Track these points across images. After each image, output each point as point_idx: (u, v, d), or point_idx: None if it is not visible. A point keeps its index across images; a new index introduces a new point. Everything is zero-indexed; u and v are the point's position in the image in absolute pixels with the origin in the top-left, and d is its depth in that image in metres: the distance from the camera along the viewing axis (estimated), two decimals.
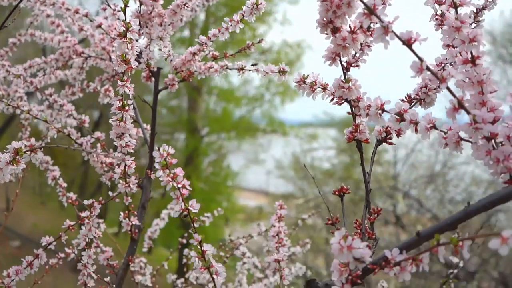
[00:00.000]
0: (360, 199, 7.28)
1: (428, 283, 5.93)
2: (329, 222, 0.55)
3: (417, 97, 0.72)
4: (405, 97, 0.73)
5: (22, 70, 1.20)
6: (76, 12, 1.12)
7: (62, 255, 1.11)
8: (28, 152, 0.68)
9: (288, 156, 10.03)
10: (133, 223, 1.00)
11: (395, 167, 6.72)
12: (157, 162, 0.63)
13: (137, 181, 0.94)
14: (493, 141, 0.55)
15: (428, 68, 0.52)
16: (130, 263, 1.02)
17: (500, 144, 0.54)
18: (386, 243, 6.54)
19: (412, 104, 0.72)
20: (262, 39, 1.04)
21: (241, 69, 0.97)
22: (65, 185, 1.14)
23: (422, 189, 6.56)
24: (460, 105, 0.53)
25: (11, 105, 1.03)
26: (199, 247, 0.67)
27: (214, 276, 0.67)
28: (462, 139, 0.57)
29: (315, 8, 0.63)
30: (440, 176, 6.74)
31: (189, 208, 0.65)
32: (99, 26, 1.01)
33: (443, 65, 0.73)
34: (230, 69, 0.99)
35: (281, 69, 0.87)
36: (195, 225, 0.67)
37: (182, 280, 1.42)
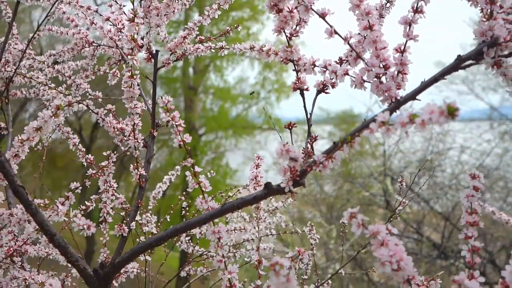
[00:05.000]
0: (357, 191, 7.62)
1: (418, 263, 6.22)
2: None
3: (346, 59, 0.99)
4: (338, 59, 1.00)
5: (45, 57, 1.47)
6: (88, 8, 1.39)
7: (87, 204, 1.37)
8: (67, 107, 0.95)
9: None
10: (141, 173, 1.27)
11: (384, 155, 7.02)
12: (161, 107, 0.90)
13: (143, 138, 1.21)
14: (384, 79, 0.82)
15: (335, 32, 0.79)
16: (139, 205, 1.29)
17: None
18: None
19: (343, 64, 0.99)
20: (238, 25, 1.31)
21: (221, 48, 1.25)
22: (84, 149, 1.41)
23: (412, 175, 6.85)
24: (358, 56, 0.81)
25: (22, 74, 1.31)
26: (192, 169, 0.94)
27: (203, 189, 0.94)
28: (364, 80, 0.84)
29: None
30: (430, 163, 7.03)
31: (184, 139, 0.92)
32: (108, 19, 1.27)
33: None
34: (213, 49, 1.27)
35: (251, 46, 1.14)
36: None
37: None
